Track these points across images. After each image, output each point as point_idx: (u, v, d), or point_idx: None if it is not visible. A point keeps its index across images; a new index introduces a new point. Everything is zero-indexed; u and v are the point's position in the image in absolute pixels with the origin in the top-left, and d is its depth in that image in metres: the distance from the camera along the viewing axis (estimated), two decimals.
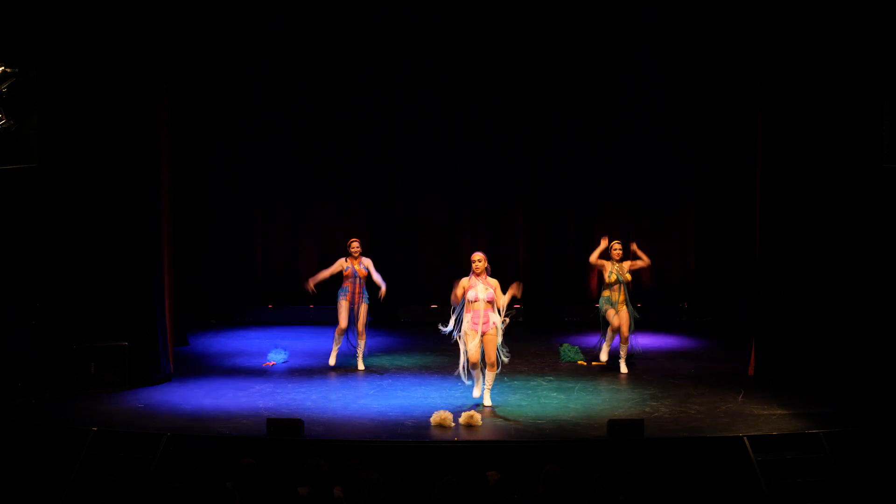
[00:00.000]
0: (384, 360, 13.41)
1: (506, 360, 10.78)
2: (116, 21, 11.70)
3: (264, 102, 16.62)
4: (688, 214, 16.90)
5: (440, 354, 13.32)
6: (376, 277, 12.61)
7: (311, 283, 12.60)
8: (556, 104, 16.66)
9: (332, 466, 7.91)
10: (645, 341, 14.47)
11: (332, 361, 12.81)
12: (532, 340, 14.76)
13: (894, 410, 10.54)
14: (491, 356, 10.61)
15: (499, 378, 12.05)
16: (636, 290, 16.81)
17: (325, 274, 12.67)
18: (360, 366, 12.78)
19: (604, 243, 12.55)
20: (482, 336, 10.58)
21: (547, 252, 17.04)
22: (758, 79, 12.07)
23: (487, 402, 10.72)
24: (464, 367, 10.69)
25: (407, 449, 9.39)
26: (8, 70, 10.71)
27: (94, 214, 11.91)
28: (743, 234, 14.45)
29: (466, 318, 10.61)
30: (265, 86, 16.52)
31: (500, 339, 10.69)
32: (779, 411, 10.54)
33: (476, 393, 10.78)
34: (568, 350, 13.32)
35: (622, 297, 12.47)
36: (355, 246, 12.64)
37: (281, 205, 17.04)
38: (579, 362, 12.93)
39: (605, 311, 12.54)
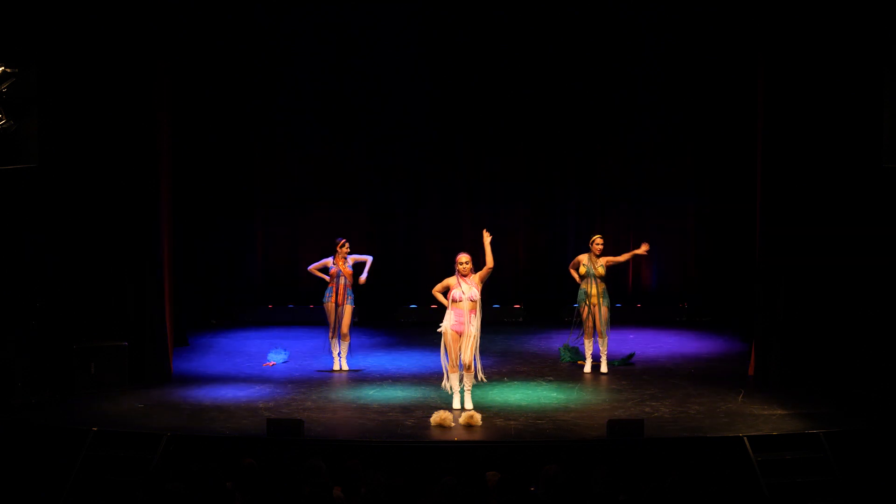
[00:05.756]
0: (384, 360, 13.41)
1: (483, 377, 10.69)
2: (117, 21, 11.71)
3: (265, 102, 16.62)
4: (688, 214, 16.91)
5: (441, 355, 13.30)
6: (363, 257, 12.84)
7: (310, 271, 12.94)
8: (556, 103, 16.65)
9: (332, 466, 7.91)
10: (645, 341, 14.52)
11: (336, 367, 12.80)
12: (532, 340, 14.78)
13: (894, 410, 10.54)
14: (467, 358, 10.49)
15: (498, 378, 12.07)
16: (636, 289, 16.93)
17: (314, 269, 12.76)
18: (344, 366, 12.76)
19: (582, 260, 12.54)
20: (459, 336, 10.49)
21: (547, 252, 17.05)
22: (758, 78, 12.06)
23: (468, 404, 10.58)
24: (446, 374, 10.63)
25: (407, 449, 9.39)
26: (8, 70, 10.71)
27: (93, 214, 11.92)
28: (743, 234, 14.46)
29: (449, 315, 10.53)
30: (266, 86, 16.51)
31: (476, 343, 10.53)
32: (779, 411, 10.54)
33: (455, 404, 10.61)
34: (568, 350, 13.32)
35: (595, 291, 12.42)
36: (346, 248, 12.67)
37: (281, 205, 17.04)
38: (579, 362, 12.93)
39: (580, 308, 12.52)
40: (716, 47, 15.39)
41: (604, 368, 12.54)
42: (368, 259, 12.88)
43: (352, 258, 12.76)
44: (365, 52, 16.25)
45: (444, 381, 10.72)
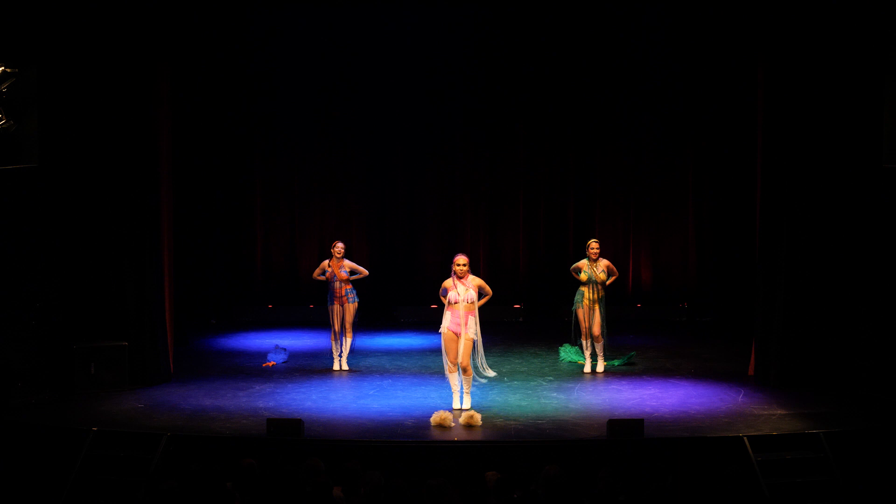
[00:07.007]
0: (384, 360, 13.42)
1: (483, 378, 10.68)
2: (117, 22, 11.70)
3: (265, 103, 16.63)
4: (687, 214, 16.91)
5: (440, 354, 13.27)
6: (359, 268, 12.77)
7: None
8: (555, 103, 16.66)
9: (331, 466, 7.91)
10: (645, 341, 14.52)
11: (336, 367, 12.80)
12: (532, 340, 14.78)
13: (894, 410, 10.54)
14: (464, 360, 10.50)
15: (499, 378, 12.06)
16: (635, 289, 16.94)
17: (317, 275, 12.81)
18: (344, 366, 12.77)
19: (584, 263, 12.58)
20: (457, 337, 10.49)
21: (546, 252, 17.05)
22: (759, 79, 12.06)
23: (466, 404, 10.59)
24: (447, 366, 10.67)
25: (407, 449, 9.39)
26: (8, 70, 10.71)
27: (94, 214, 11.92)
28: (743, 234, 14.48)
29: (446, 317, 10.55)
30: (266, 87, 16.52)
31: (478, 346, 10.54)
32: (779, 411, 10.55)
33: (455, 404, 10.63)
34: (568, 350, 13.32)
35: (595, 296, 12.45)
36: (339, 248, 12.66)
37: (281, 205, 17.07)
38: (579, 362, 12.94)
39: (576, 309, 12.56)
40: (716, 47, 15.40)
41: (600, 368, 12.56)
42: (364, 273, 12.84)
43: (349, 264, 12.73)
44: (364, 52, 16.26)
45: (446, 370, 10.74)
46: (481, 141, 16.89)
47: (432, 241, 16.99)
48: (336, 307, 12.66)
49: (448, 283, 10.59)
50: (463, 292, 10.46)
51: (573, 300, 12.64)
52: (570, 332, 12.95)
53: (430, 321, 15.65)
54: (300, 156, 16.93)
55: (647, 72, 16.37)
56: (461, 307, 10.44)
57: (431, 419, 10.05)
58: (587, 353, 12.61)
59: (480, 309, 10.62)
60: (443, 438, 9.64)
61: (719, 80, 15.83)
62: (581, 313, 12.50)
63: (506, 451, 9.39)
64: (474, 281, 10.56)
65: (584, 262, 12.53)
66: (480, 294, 10.61)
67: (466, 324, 10.44)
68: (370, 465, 8.11)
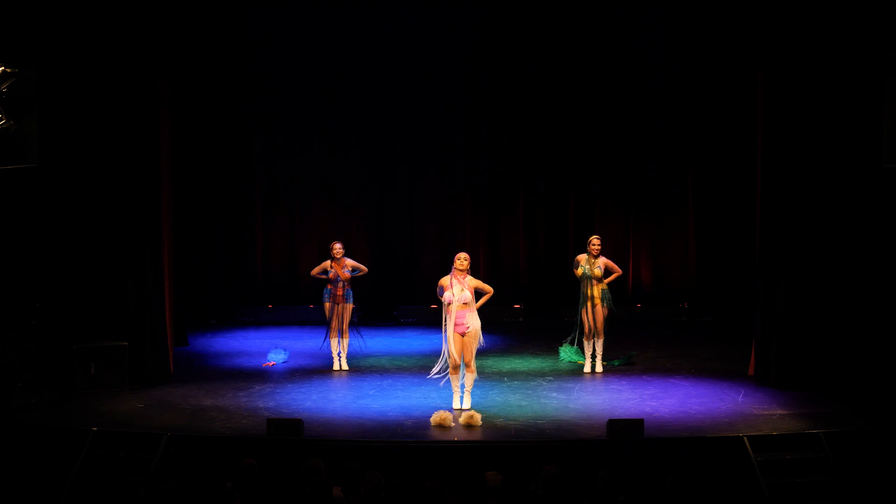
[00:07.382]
0: (384, 361, 13.42)
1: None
2: (117, 22, 11.70)
3: (265, 103, 16.63)
4: (688, 214, 16.90)
5: (440, 355, 13.28)
6: (360, 266, 12.80)
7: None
8: (555, 103, 16.66)
9: (331, 466, 7.91)
10: (645, 341, 14.51)
11: (336, 367, 12.80)
12: (532, 340, 14.78)
13: (894, 410, 10.54)
14: (467, 357, 10.53)
15: (498, 378, 12.08)
16: (635, 289, 16.93)
17: (316, 273, 12.79)
18: (344, 366, 12.77)
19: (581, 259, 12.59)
20: (461, 337, 10.53)
21: (546, 252, 17.05)
22: (759, 79, 12.06)
23: (466, 404, 10.61)
24: (441, 365, 10.66)
25: (407, 449, 9.39)
26: (8, 70, 10.71)
27: (94, 215, 11.92)
28: (743, 234, 14.47)
29: (447, 318, 10.59)
30: (266, 87, 16.52)
31: (479, 342, 10.57)
32: (779, 411, 10.55)
33: (455, 404, 10.65)
34: (568, 350, 13.32)
35: (594, 293, 12.44)
36: (338, 248, 12.66)
37: (281, 205, 17.06)
38: (579, 362, 12.93)
39: (580, 309, 12.58)
40: (716, 47, 15.40)
41: (598, 368, 12.56)
42: (364, 270, 12.88)
43: (350, 263, 12.75)
44: (364, 52, 16.27)
45: (437, 368, 10.74)
46: (481, 141, 16.89)
47: (432, 240, 16.99)
48: (329, 305, 12.67)
49: (444, 281, 10.60)
50: (458, 292, 10.47)
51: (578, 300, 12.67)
52: (570, 333, 12.96)
53: (430, 321, 15.67)
54: (300, 156, 16.92)
55: (647, 72, 16.36)
56: (454, 307, 10.46)
57: (431, 419, 10.05)
58: (587, 353, 12.62)
59: (480, 308, 10.63)
60: (443, 438, 9.64)
61: (719, 80, 15.83)
62: (584, 313, 12.51)
63: (506, 451, 9.40)
64: (471, 282, 10.58)
65: (583, 257, 12.53)
66: (480, 294, 10.63)
67: (463, 323, 10.45)
68: (370, 465, 8.11)
